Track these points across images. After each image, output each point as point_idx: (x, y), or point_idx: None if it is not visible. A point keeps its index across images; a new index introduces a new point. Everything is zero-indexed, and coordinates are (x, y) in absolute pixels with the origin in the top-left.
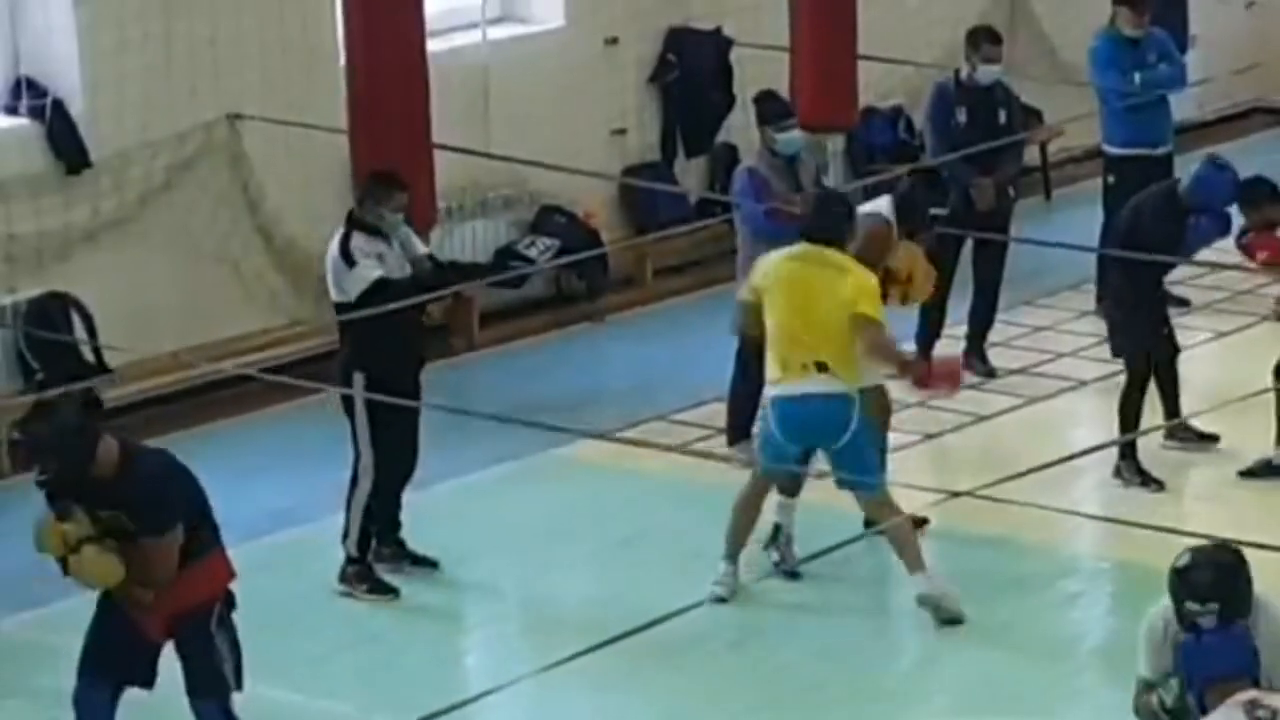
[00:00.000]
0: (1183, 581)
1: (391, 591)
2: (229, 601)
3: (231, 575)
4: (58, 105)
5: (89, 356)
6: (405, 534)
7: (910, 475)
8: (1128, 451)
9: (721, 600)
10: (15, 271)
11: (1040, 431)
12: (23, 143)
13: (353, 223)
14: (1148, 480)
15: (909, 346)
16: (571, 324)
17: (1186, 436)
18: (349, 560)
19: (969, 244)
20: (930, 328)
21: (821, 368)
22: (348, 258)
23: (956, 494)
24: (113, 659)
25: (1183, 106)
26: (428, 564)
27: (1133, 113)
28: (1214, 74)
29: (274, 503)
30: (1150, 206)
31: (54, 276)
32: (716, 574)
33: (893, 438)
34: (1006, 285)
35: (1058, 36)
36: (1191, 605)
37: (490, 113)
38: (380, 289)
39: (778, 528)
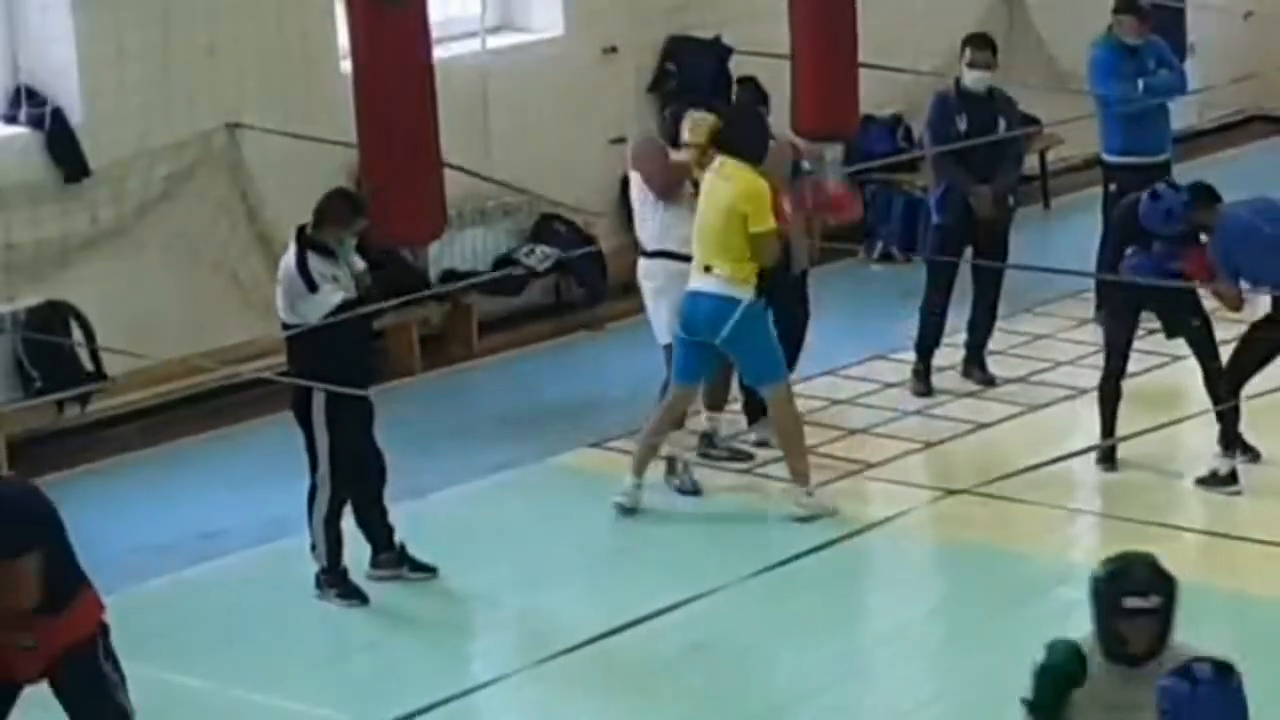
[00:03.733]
0: (1120, 577)
1: (361, 597)
2: (106, 631)
3: (103, 607)
4: (57, 114)
5: (88, 364)
6: (406, 542)
7: (908, 482)
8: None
9: (627, 511)
10: (14, 280)
11: (1039, 440)
12: (22, 151)
13: (306, 242)
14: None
15: (909, 354)
16: (571, 332)
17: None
18: (321, 571)
19: (967, 252)
20: (929, 335)
21: (708, 269)
22: (309, 282)
23: (953, 491)
24: None
25: (1182, 115)
26: (426, 570)
27: (1132, 121)
28: (1212, 82)
29: (271, 511)
30: (1120, 222)
31: (53, 285)
32: (622, 487)
33: (893, 445)
34: (1006, 293)
35: (1056, 45)
36: (1132, 600)
37: (490, 121)
38: (337, 311)
39: (671, 460)
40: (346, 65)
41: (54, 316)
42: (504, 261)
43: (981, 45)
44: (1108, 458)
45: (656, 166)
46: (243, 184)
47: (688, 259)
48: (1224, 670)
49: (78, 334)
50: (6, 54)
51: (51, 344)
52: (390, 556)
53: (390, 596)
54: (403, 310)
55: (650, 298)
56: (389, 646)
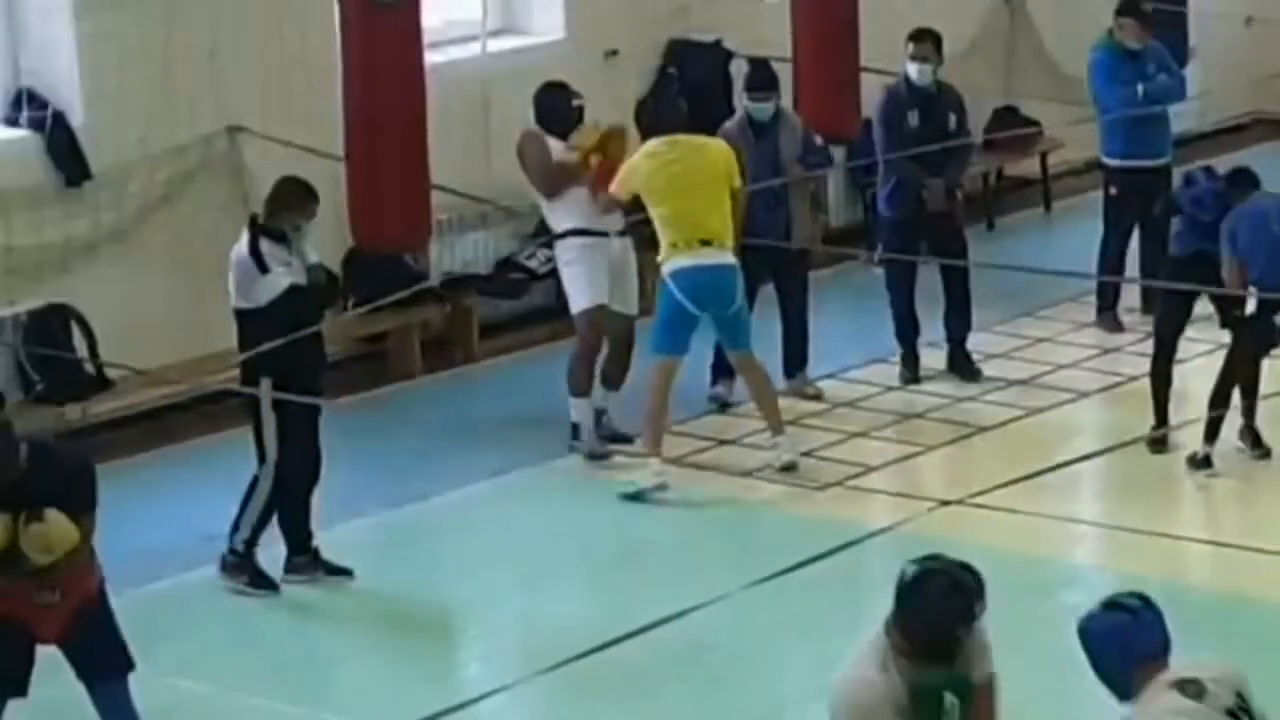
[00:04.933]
0: (958, 592)
1: (271, 587)
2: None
3: (100, 564)
4: (58, 117)
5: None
6: (407, 545)
7: (910, 486)
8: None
9: (663, 488)
10: (15, 283)
11: (1041, 443)
12: (23, 155)
13: (259, 229)
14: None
15: (896, 352)
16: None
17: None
18: (231, 552)
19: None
20: (905, 324)
21: (705, 243)
22: (261, 265)
23: (946, 502)
24: (4, 675)
25: (1182, 118)
26: (343, 573)
27: (1133, 124)
28: (1213, 86)
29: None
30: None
31: (54, 288)
32: (655, 469)
33: (894, 448)
34: (1006, 296)
35: (1057, 49)
36: (979, 606)
37: (490, 125)
38: (288, 296)
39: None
40: None
41: (55, 320)
42: (505, 264)
43: (922, 39)
44: (1159, 440)
45: (533, 159)
46: (244, 187)
47: (595, 233)
48: (1142, 597)
49: (79, 337)
50: (8, 57)
51: (52, 345)
52: (305, 560)
53: (392, 600)
54: (404, 313)
55: (564, 269)
56: (391, 650)
